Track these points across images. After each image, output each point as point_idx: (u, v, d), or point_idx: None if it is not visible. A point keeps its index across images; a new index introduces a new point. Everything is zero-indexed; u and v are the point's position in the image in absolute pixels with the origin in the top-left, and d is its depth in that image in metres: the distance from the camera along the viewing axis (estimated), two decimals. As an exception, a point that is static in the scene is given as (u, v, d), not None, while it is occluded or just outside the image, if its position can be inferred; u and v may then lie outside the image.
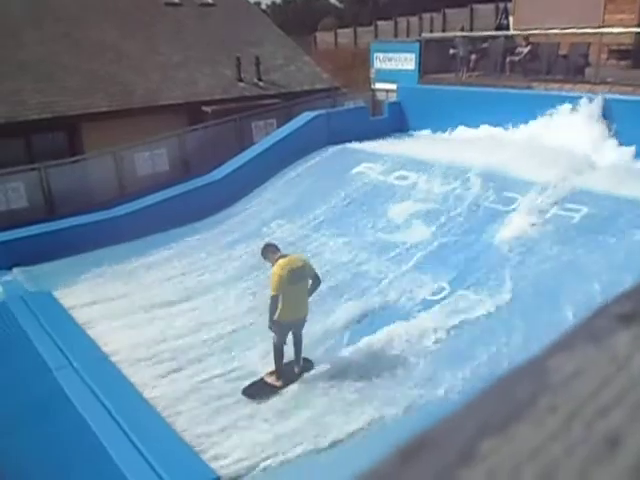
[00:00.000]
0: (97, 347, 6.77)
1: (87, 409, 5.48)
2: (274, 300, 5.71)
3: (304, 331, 6.18)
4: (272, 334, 5.92)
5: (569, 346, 0.32)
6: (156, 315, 7.67)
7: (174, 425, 5.43)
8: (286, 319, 5.80)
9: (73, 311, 7.68)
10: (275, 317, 5.76)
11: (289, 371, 6.06)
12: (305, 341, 6.27)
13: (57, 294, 8.14)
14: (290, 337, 6.07)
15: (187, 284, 8.50)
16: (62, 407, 5.63)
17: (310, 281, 5.98)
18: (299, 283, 5.83)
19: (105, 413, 5.41)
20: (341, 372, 6.08)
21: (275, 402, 5.80)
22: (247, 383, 6.08)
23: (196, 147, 12.93)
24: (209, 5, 18.61)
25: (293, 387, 5.95)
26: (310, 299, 6.08)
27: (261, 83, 16.25)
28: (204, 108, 14.42)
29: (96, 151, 12.02)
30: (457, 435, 0.27)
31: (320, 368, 6.12)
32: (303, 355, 6.23)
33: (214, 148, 12.58)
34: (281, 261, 5.81)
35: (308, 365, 6.18)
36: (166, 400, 5.89)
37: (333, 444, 5.14)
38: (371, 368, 6.09)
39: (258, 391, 5.92)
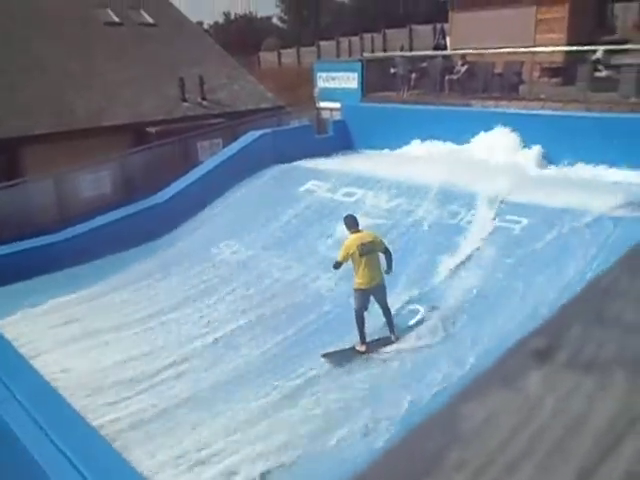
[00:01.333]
0: (41, 377, 6.48)
1: (32, 442, 5.23)
2: (336, 265, 6.79)
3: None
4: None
5: (482, 391, 0.31)
6: (102, 342, 7.43)
7: (125, 455, 5.25)
8: (361, 286, 6.60)
9: (16, 341, 7.34)
10: (353, 286, 6.68)
11: (379, 341, 6.72)
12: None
13: (-2, 324, 7.79)
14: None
15: (133, 310, 8.28)
16: (6, 441, 5.36)
17: (382, 254, 6.77)
18: (369, 254, 6.60)
19: (51, 445, 5.18)
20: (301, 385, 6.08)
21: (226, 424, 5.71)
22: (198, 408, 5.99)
23: (141, 168, 12.69)
24: (150, 25, 18.42)
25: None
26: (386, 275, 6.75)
27: (205, 103, 16.17)
28: (148, 129, 14.20)
29: (36, 174, 11.61)
30: None
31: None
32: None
33: (159, 169, 12.38)
34: (353, 235, 6.72)
35: (392, 338, 6.74)
36: (117, 429, 5.70)
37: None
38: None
39: (339, 356, 6.54)
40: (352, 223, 6.87)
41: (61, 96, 14.05)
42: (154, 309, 8.23)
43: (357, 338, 6.68)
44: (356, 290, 6.66)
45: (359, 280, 6.62)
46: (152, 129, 14.16)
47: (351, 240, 6.67)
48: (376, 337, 6.78)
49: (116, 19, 17.93)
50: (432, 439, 0.28)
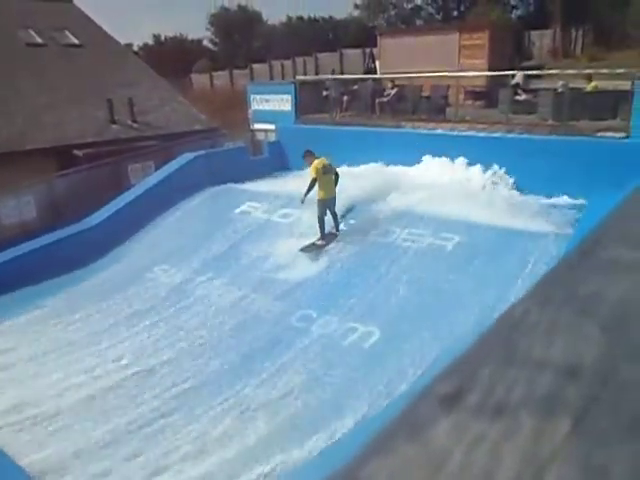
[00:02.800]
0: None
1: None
2: (312, 181, 8.89)
3: None
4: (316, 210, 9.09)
5: (385, 446, 0.29)
6: (19, 377, 7.02)
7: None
8: (322, 198, 9.00)
9: None
10: (317, 198, 9.00)
11: (330, 236, 9.28)
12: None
13: None
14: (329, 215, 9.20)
15: (61, 340, 7.89)
16: None
17: (333, 175, 9.22)
18: (328, 174, 9.08)
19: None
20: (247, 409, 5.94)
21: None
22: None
23: (68, 193, 12.23)
24: (76, 46, 17.95)
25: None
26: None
27: (136, 125, 15.84)
28: (75, 152, 13.75)
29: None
30: None
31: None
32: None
33: (88, 193, 11.97)
34: (316, 160, 9.04)
35: (337, 234, 9.37)
36: (42, 467, 5.38)
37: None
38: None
39: (310, 249, 9.11)
40: (311, 153, 9.23)
41: (-20, 119, 13.41)
42: (78, 341, 7.85)
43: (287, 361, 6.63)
44: (319, 201, 9.04)
45: (322, 193, 8.98)
46: (79, 152, 13.71)
47: (316, 163, 8.97)
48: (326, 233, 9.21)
49: (39, 40, 17.35)
50: None
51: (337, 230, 9.42)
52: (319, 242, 9.18)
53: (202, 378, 6.76)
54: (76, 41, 18.12)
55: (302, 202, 9.14)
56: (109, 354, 7.46)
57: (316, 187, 8.94)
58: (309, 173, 9.02)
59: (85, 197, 11.86)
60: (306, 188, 8.96)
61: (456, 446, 0.28)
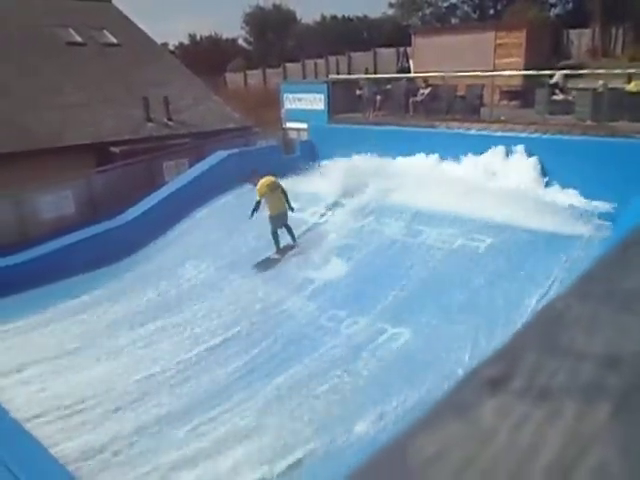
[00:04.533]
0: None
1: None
2: (257, 203, 9.35)
3: None
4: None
5: (433, 423, 0.30)
6: (61, 367, 7.22)
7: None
8: (272, 214, 9.50)
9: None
10: (268, 214, 9.48)
11: (287, 248, 9.56)
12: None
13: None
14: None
15: (96, 332, 8.09)
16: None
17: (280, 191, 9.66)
18: (274, 191, 9.54)
19: (9, 474, 4.98)
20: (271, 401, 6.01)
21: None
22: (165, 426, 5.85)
23: (104, 189, 12.51)
24: (114, 45, 18.31)
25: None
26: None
27: (171, 123, 16.08)
28: (112, 149, 14.03)
29: (-6, 195, 11.31)
30: None
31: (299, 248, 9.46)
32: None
33: (124, 189, 12.22)
34: (262, 180, 9.49)
35: (294, 245, 9.65)
36: (73, 457, 5.52)
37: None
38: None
39: (265, 263, 9.36)
40: (256, 173, 9.65)
41: (21, 116, 13.78)
42: (116, 332, 8.04)
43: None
44: (270, 217, 9.52)
45: (271, 209, 9.48)
46: (116, 149, 13.99)
47: (261, 183, 9.44)
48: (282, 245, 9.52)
49: (79, 39, 17.76)
50: (380, 476, 0.28)
51: (294, 241, 9.66)
52: (275, 255, 9.47)
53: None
54: (114, 40, 18.48)
55: (250, 218, 9.42)
56: (146, 350, 7.61)
57: (266, 204, 9.41)
58: (257, 192, 9.41)
59: (120, 193, 12.12)
60: (253, 208, 9.32)
61: (501, 425, 0.30)
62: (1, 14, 16.90)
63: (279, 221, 9.55)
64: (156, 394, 6.57)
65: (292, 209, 9.70)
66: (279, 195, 9.55)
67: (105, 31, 18.67)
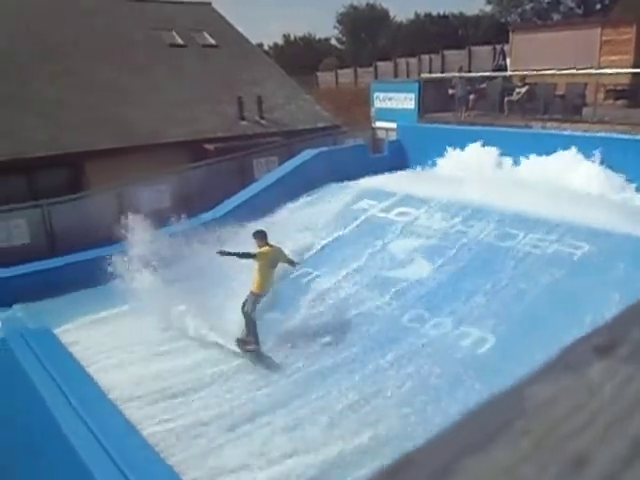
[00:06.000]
0: (95, 384, 6.70)
1: (84, 447, 5.38)
2: (249, 256, 7.41)
3: None
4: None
5: (546, 375, 0.34)
6: (157, 352, 7.62)
7: (172, 464, 5.34)
8: (258, 291, 7.45)
9: (73, 348, 7.62)
10: (251, 289, 7.40)
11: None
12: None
13: (57, 331, 8.10)
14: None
15: (192, 323, 8.43)
16: (59, 444, 5.54)
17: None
18: (274, 268, 7.67)
19: (102, 451, 5.32)
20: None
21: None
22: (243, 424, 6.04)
23: (198, 184, 13.03)
24: (212, 46, 19.08)
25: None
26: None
27: (263, 121, 16.52)
28: (207, 146, 14.61)
29: (98, 188, 12.12)
30: (438, 454, 0.29)
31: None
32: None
33: (216, 185, 12.68)
34: (268, 248, 7.57)
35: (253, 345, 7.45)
36: (164, 439, 5.81)
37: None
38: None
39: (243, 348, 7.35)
40: (263, 237, 7.69)
41: (124, 113, 14.67)
42: (211, 323, 8.35)
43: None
44: (258, 295, 7.46)
45: (259, 285, 7.46)
46: (210, 146, 14.56)
47: (268, 251, 7.56)
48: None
49: (180, 41, 18.66)
50: (499, 411, 0.32)
51: (250, 336, 7.44)
52: (249, 347, 7.35)
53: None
54: (213, 41, 19.25)
55: (219, 253, 7.65)
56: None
57: (255, 276, 7.49)
58: (257, 252, 7.51)
59: (214, 188, 12.58)
60: (238, 251, 7.50)
61: (608, 382, 0.32)
62: (114, 19, 18.07)
63: (258, 303, 7.51)
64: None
65: (294, 264, 8.21)
66: (272, 274, 7.70)
67: (205, 33, 19.49)
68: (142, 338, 7.98)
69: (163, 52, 17.80)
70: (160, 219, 11.68)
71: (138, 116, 14.82)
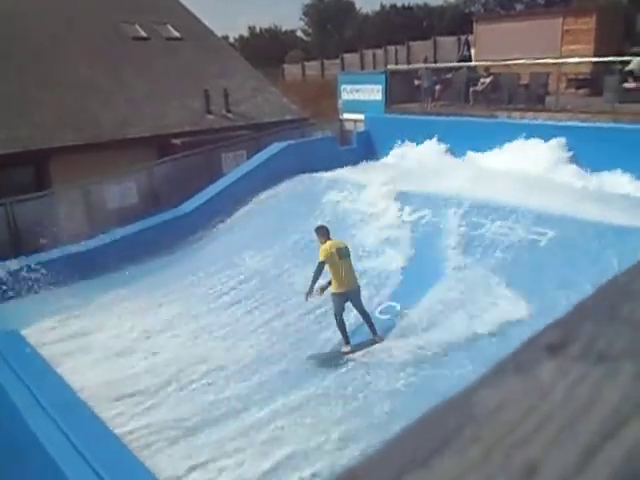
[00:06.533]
0: (66, 385, 6.59)
1: (56, 449, 5.29)
2: (318, 266, 6.89)
3: None
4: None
5: (495, 379, 0.33)
6: (127, 351, 7.52)
7: (148, 463, 5.30)
8: (340, 290, 6.85)
9: (41, 349, 7.47)
10: (332, 290, 6.90)
11: (370, 342, 6.98)
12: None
13: (25, 332, 7.92)
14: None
15: (159, 319, 8.37)
16: (30, 447, 5.44)
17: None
18: (346, 258, 6.97)
19: (75, 453, 5.24)
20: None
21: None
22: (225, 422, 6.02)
23: (166, 179, 12.87)
24: (177, 39, 18.77)
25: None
26: None
27: (230, 115, 16.36)
28: (173, 140, 14.42)
29: (64, 185, 11.86)
30: (382, 470, 0.28)
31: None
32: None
33: (184, 180, 12.53)
34: (328, 242, 7.05)
35: (377, 339, 7.00)
36: (139, 438, 5.75)
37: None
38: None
39: (327, 358, 6.86)
40: (325, 232, 7.21)
41: (88, 109, 14.36)
42: (177, 320, 8.29)
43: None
44: (335, 294, 6.91)
45: (338, 284, 6.89)
46: (177, 141, 14.37)
47: (328, 245, 7.02)
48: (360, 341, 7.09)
49: (144, 34, 18.30)
50: (448, 418, 0.30)
51: (375, 334, 7.04)
52: (344, 349, 6.94)
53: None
54: (177, 34, 18.94)
55: (306, 300, 7.12)
56: (201, 333, 7.83)
57: (331, 275, 7.01)
58: (318, 255, 7.09)
59: (181, 184, 12.44)
60: (314, 278, 6.93)
61: (559, 382, 0.31)
62: (73, 12, 17.62)
63: (345, 301, 6.98)
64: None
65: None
66: (350, 265, 7.07)
67: (169, 26, 19.16)
68: (114, 337, 7.87)
69: (127, 46, 17.44)
70: (128, 216, 11.53)
71: (103, 111, 14.53)
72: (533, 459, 0.27)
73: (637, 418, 0.29)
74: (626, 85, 10.99)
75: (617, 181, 9.38)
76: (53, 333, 8.03)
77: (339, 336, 7.08)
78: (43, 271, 9.27)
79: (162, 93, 15.87)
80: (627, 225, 7.33)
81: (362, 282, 8.31)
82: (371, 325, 7.02)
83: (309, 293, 6.97)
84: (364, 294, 7.53)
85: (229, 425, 5.89)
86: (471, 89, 12.83)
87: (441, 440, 0.28)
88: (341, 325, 6.90)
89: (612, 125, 9.78)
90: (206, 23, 20.60)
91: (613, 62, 11.12)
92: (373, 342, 6.95)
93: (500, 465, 0.27)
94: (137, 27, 18.41)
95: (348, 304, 7.00)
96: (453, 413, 0.31)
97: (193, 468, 5.35)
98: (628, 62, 11.34)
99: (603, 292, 0.39)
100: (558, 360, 0.33)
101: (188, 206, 11.51)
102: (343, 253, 6.98)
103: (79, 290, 9.12)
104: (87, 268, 9.49)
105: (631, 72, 11.24)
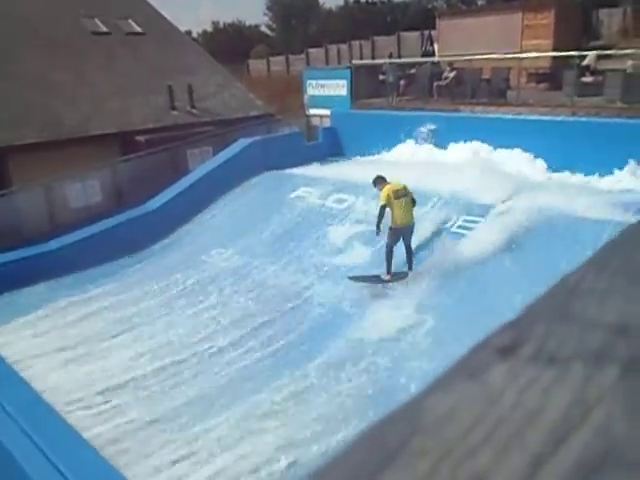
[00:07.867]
0: (30, 388, 6.44)
1: (21, 453, 5.18)
2: (380, 208, 7.72)
3: None
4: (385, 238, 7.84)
5: (446, 385, 0.32)
6: (93, 351, 7.40)
7: (115, 464, 5.22)
8: (395, 224, 7.74)
9: (5, 350, 7.29)
10: (389, 224, 7.74)
11: (398, 275, 7.86)
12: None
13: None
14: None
15: (125, 318, 8.24)
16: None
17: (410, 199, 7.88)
18: (402, 198, 7.75)
19: (41, 456, 5.13)
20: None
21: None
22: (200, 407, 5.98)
23: (130, 177, 12.66)
24: (138, 34, 18.42)
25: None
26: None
27: (195, 111, 16.17)
28: (137, 137, 14.17)
29: (25, 184, 11.55)
30: None
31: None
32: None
33: (149, 178, 12.34)
34: (387, 185, 7.83)
35: (407, 272, 7.89)
36: (106, 439, 5.67)
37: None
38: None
39: (367, 280, 7.98)
40: (381, 180, 8.02)
41: (49, 106, 13.99)
42: (142, 320, 8.17)
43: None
44: (391, 228, 7.77)
45: (396, 219, 7.74)
46: (141, 138, 14.13)
47: (386, 189, 7.79)
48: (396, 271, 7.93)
49: (104, 29, 17.91)
50: (395, 430, 0.30)
51: (409, 268, 7.96)
52: (385, 277, 7.89)
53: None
54: (139, 29, 18.59)
55: (377, 234, 7.92)
56: (168, 333, 7.74)
57: (391, 213, 7.82)
58: (379, 199, 7.93)
59: (146, 181, 12.24)
60: (377, 218, 7.80)
61: (510, 386, 0.31)
62: (29, 6, 17.11)
63: (399, 235, 7.85)
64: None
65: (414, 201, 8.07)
66: (406, 203, 7.82)
67: (130, 20, 18.79)
68: (80, 337, 7.73)
69: (87, 41, 17.04)
70: (91, 214, 11.30)
71: (65, 108, 14.17)
72: (481, 472, 0.26)
73: (586, 424, 0.29)
74: (584, 79, 11.26)
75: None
76: (16, 334, 7.82)
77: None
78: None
79: (125, 89, 15.57)
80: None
81: (333, 277, 8.38)
82: (410, 261, 7.95)
83: (378, 230, 7.79)
84: (332, 290, 7.51)
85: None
86: (435, 84, 12.96)
87: (387, 454, 0.28)
88: (389, 255, 7.80)
89: (570, 118, 10.01)
90: (168, 17, 20.29)
91: (571, 57, 11.37)
92: (405, 275, 7.85)
93: (448, 478, 0.26)
94: (97, 21, 18.00)
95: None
96: (402, 423, 0.30)
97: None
98: (585, 57, 11.62)
99: (555, 290, 0.40)
100: (509, 363, 0.33)
101: (154, 203, 11.34)
102: (399, 194, 7.75)
103: (43, 291, 8.92)
104: (48, 269, 9.26)
105: (587, 67, 11.52)
